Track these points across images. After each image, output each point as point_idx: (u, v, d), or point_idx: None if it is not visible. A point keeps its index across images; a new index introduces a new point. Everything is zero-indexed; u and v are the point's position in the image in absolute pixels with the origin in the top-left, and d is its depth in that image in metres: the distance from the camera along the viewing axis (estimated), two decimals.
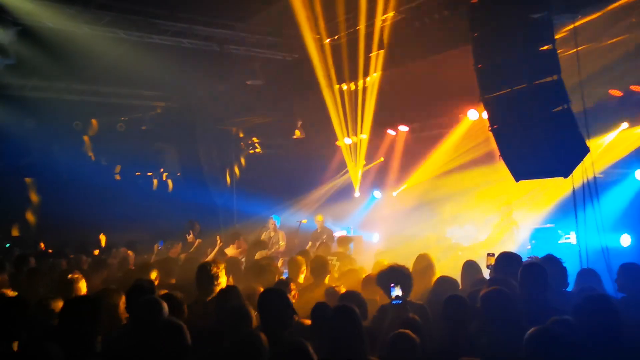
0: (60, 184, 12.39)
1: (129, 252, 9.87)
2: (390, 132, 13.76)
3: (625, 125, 10.02)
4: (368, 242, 13.20)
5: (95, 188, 12.46)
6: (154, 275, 6.19)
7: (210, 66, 11.04)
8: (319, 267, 6.28)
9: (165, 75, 10.98)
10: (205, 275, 5.10)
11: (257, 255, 9.72)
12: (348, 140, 13.75)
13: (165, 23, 9.78)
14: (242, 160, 15.30)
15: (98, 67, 10.58)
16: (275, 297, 4.27)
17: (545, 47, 6.34)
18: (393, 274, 4.98)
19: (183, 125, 13.81)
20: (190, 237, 11.11)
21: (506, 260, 5.49)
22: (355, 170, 14.48)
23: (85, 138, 12.94)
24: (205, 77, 11.44)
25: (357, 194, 14.78)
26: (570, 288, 5.44)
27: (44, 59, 9.67)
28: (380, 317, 4.78)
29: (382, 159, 14.29)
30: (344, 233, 12.74)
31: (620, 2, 7.45)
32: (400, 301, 4.78)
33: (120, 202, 12.51)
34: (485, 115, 7.37)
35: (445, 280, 5.50)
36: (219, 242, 10.07)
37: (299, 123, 14.12)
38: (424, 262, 6.03)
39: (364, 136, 13.46)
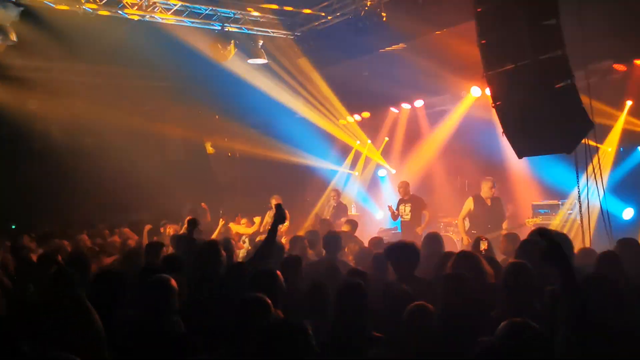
0: (63, 165, 12.41)
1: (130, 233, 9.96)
2: (394, 110, 13.77)
3: (629, 103, 10.01)
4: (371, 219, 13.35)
5: (97, 169, 12.48)
6: None
7: (212, 45, 10.98)
8: (332, 242, 6.35)
9: (168, 55, 10.94)
10: (213, 253, 5.11)
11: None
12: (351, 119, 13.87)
13: (167, 2, 9.75)
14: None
15: (100, 48, 10.54)
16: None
17: (549, 22, 6.31)
18: None
19: (185, 106, 13.79)
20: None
21: None
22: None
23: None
24: (207, 56, 11.39)
25: (355, 173, 14.88)
26: None
27: (46, 40, 9.63)
28: None
29: (387, 139, 14.31)
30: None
31: None
32: None
33: (123, 183, 12.54)
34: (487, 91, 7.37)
35: None
36: (221, 222, 10.11)
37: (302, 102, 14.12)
38: None
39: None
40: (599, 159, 7.00)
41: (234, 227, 10.45)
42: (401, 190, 10.85)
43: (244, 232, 10.67)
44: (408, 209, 10.58)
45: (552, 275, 3.33)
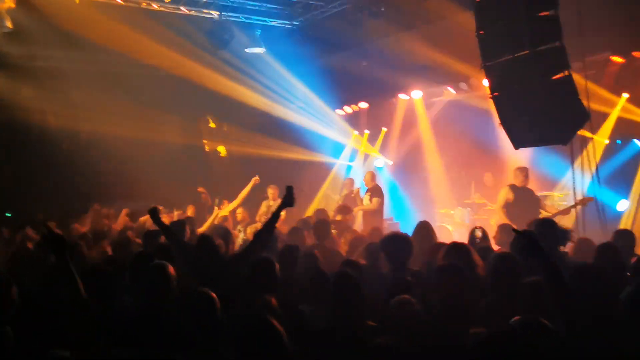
0: (59, 154, 12.38)
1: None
2: (392, 100, 13.76)
3: (625, 95, 10.03)
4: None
5: (93, 157, 12.46)
6: None
7: (209, 34, 10.96)
8: (321, 230, 6.36)
9: (165, 44, 10.91)
10: (210, 247, 4.99)
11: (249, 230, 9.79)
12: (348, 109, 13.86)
13: None
14: None
15: (97, 36, 10.50)
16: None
17: (547, 13, 6.31)
18: None
19: (183, 95, 13.76)
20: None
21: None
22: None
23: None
24: (204, 45, 11.36)
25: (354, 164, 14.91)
26: None
27: (42, 27, 9.59)
28: None
29: (385, 130, 14.32)
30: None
31: None
32: None
33: (119, 171, 12.52)
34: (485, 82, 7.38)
35: None
36: (216, 210, 10.02)
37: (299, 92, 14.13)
38: None
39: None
40: (594, 151, 7.00)
41: (223, 212, 10.37)
42: (365, 180, 11.25)
43: (231, 208, 10.61)
44: (367, 198, 10.93)
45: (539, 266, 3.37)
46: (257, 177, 10.69)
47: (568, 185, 8.01)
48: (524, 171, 8.94)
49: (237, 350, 2.98)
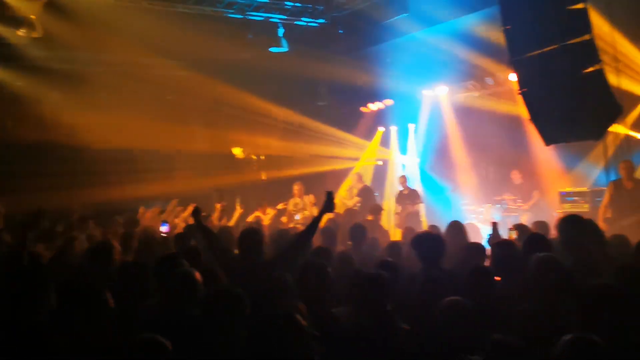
0: (86, 155, 12.52)
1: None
2: (417, 96, 13.66)
3: None
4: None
5: (120, 159, 12.58)
6: None
7: (234, 34, 10.98)
8: (357, 234, 6.30)
9: (190, 45, 10.96)
10: (255, 242, 4.85)
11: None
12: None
13: None
14: None
15: (123, 38, 10.60)
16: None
17: (576, 6, 6.18)
18: None
19: (207, 95, 13.82)
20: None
21: None
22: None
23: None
24: (228, 45, 11.39)
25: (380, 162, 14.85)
26: None
27: (70, 31, 9.72)
28: None
29: (411, 126, 14.23)
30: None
31: None
32: None
33: (146, 173, 12.61)
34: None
35: None
36: (238, 208, 9.96)
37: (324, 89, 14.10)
38: None
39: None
40: (629, 145, 6.85)
41: (263, 217, 10.34)
42: (352, 182, 12.66)
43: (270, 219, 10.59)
44: (356, 199, 12.00)
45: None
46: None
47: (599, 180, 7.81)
48: (629, 164, 8.17)
49: (259, 346, 2.91)
